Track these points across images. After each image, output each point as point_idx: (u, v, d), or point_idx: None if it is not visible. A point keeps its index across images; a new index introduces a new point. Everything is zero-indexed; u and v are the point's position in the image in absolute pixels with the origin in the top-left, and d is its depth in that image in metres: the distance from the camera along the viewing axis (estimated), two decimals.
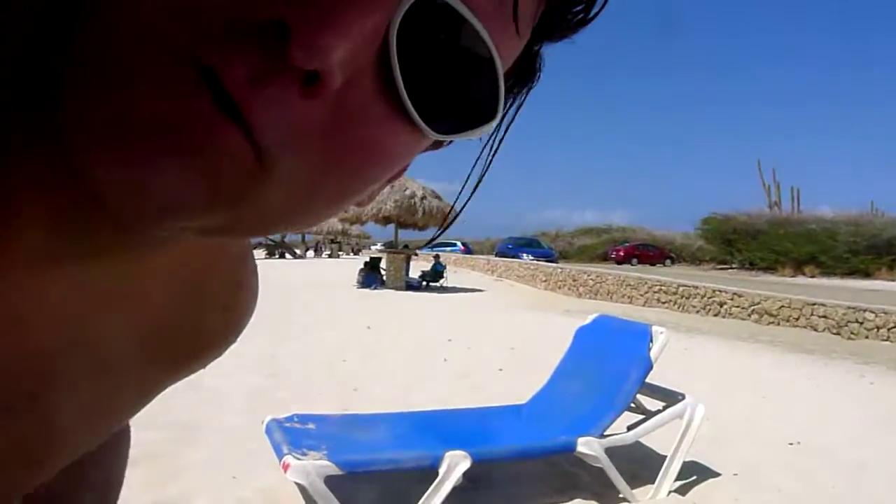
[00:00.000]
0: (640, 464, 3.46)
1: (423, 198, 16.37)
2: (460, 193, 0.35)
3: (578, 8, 0.31)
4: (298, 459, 2.43)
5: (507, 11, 0.27)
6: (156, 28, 0.23)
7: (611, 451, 3.00)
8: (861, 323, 9.87)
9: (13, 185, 0.28)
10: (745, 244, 29.60)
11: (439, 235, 0.41)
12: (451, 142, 0.31)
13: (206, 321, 0.40)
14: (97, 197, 0.25)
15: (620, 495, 3.05)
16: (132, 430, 0.53)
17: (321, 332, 7.89)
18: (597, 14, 0.31)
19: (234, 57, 0.22)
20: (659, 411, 3.28)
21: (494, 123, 0.30)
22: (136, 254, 0.33)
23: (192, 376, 0.43)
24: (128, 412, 0.40)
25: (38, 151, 0.28)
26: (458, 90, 0.28)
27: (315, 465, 2.41)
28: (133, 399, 0.39)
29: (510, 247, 32.16)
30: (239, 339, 0.45)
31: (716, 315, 12.23)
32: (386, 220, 16.77)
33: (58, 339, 0.32)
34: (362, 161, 0.27)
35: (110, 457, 0.48)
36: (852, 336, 9.85)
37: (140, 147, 0.23)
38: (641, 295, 14.28)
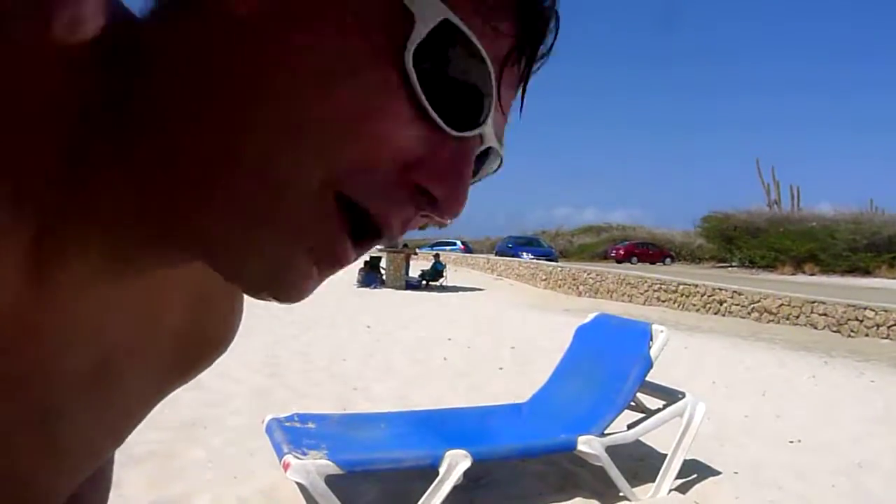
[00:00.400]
0: (641, 462, 3.47)
1: None
2: None
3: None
4: (299, 458, 2.44)
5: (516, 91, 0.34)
6: (315, 166, 0.28)
7: (611, 450, 3.01)
8: (861, 321, 9.88)
9: (73, 213, 0.29)
10: (744, 242, 29.58)
11: None
12: None
13: (209, 327, 0.43)
14: (210, 258, 0.30)
15: (621, 494, 3.05)
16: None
17: (321, 331, 7.88)
18: (544, 58, 0.34)
19: (397, 210, 0.31)
20: (659, 410, 3.28)
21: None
22: (161, 272, 0.35)
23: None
24: (139, 417, 0.42)
25: (108, 182, 0.29)
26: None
27: (315, 465, 2.42)
28: (144, 405, 0.41)
29: (510, 246, 32.09)
30: (240, 339, 0.48)
31: (716, 313, 12.24)
32: None
33: (79, 353, 0.33)
34: None
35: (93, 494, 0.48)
36: (852, 334, 9.87)
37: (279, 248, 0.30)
38: (641, 293, 14.28)
